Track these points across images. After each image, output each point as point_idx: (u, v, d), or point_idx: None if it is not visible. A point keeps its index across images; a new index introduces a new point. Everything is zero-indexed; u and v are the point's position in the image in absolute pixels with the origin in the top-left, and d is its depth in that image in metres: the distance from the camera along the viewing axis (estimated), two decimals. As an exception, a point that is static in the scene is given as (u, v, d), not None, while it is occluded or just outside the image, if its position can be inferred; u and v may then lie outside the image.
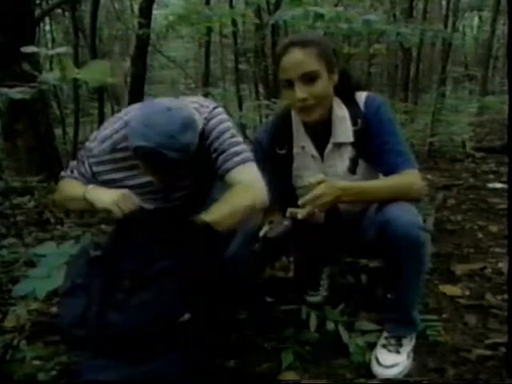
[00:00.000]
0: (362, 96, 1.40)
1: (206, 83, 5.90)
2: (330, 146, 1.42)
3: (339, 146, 1.41)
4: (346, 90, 1.40)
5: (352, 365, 1.36)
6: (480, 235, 2.35)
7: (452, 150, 4.62)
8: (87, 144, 1.36)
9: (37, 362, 1.31)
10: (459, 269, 1.95)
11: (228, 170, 1.27)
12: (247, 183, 1.25)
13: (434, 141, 4.63)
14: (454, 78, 10.20)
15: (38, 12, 4.22)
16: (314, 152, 1.44)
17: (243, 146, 1.31)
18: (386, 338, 1.37)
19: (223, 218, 1.17)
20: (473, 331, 1.50)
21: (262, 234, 1.28)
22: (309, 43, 1.29)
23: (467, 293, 1.75)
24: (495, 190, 3.22)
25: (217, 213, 1.17)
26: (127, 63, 5.48)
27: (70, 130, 4.37)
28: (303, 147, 1.46)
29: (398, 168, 1.32)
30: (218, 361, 1.35)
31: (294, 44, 1.30)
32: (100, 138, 1.33)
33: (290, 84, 1.31)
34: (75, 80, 1.30)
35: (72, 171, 1.41)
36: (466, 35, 13.80)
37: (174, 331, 1.07)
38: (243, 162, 1.28)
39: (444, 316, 1.60)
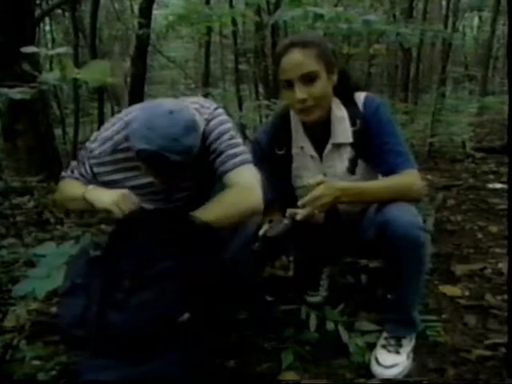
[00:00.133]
0: (360, 96, 1.40)
1: (205, 83, 5.90)
2: (329, 147, 1.42)
3: (338, 146, 1.41)
4: (344, 91, 1.41)
5: (352, 365, 1.36)
6: (480, 235, 2.35)
7: (452, 150, 4.61)
8: (88, 144, 1.36)
9: (37, 362, 1.31)
10: (459, 269, 1.95)
11: (226, 172, 1.27)
12: (244, 185, 1.25)
13: (433, 141, 4.62)
14: (453, 78, 10.19)
15: (38, 12, 4.22)
16: (313, 152, 1.45)
17: (242, 148, 1.30)
18: (386, 339, 1.37)
19: (215, 218, 1.16)
20: (473, 331, 1.50)
21: (261, 233, 1.28)
22: (309, 44, 1.30)
23: (467, 293, 1.75)
24: (495, 190, 3.22)
25: (209, 213, 1.17)
26: (127, 63, 5.48)
27: (70, 130, 4.38)
28: (302, 147, 1.46)
29: (397, 168, 1.32)
30: (218, 361, 1.36)
31: (294, 45, 1.30)
32: (101, 138, 1.32)
33: (289, 84, 1.32)
34: (75, 80, 1.30)
35: (72, 171, 1.41)
36: (466, 35, 13.80)
37: (174, 331, 1.07)
38: (241, 164, 1.27)
39: (444, 316, 1.60)
